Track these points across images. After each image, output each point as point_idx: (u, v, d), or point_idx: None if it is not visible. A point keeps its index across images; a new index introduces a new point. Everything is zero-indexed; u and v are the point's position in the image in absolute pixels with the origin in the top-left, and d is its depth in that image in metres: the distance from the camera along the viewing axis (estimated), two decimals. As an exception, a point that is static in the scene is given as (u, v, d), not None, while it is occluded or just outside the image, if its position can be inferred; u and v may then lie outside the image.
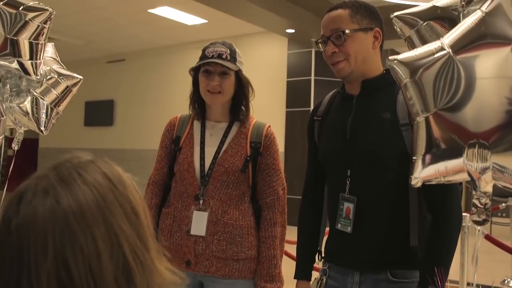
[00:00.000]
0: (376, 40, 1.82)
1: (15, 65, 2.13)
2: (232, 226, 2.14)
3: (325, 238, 2.01)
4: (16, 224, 0.75)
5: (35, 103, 2.35)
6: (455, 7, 1.39)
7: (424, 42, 1.43)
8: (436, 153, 1.26)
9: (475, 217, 1.25)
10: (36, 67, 2.20)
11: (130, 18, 9.98)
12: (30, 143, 14.68)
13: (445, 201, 1.68)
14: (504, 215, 8.24)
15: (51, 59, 2.47)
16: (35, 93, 2.33)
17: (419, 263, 1.69)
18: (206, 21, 9.82)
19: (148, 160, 9.96)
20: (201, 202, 2.14)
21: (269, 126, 2.27)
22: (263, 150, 2.21)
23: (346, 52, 1.79)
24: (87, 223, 0.75)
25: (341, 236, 1.83)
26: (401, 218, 1.74)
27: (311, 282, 1.98)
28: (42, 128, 2.40)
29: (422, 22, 1.48)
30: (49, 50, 2.49)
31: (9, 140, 2.70)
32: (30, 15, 2.07)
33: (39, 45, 2.15)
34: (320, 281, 1.92)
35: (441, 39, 1.25)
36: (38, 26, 2.09)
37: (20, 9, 2.05)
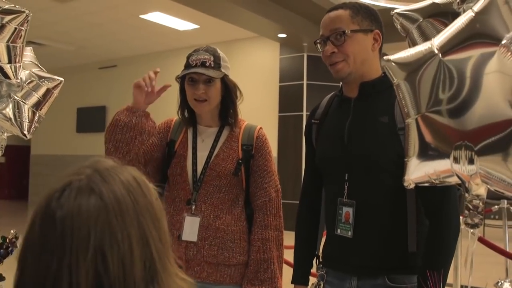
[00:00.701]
0: (375, 42, 1.81)
1: None
2: (224, 231, 2.12)
3: (322, 241, 2.00)
4: (61, 215, 0.79)
5: (17, 107, 2.33)
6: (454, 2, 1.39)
7: (425, 38, 1.43)
8: (426, 155, 1.26)
9: (468, 220, 1.25)
10: (15, 71, 2.18)
11: (121, 24, 9.97)
12: (22, 150, 14.62)
13: (443, 206, 1.67)
14: (497, 217, 8.27)
15: (31, 63, 2.46)
16: (16, 97, 2.31)
17: (417, 268, 1.69)
18: (197, 26, 9.83)
19: (140, 166, 9.93)
20: (193, 207, 2.13)
21: (261, 128, 2.25)
22: (255, 152, 2.19)
23: (345, 52, 1.78)
24: (124, 222, 0.81)
25: (339, 241, 1.82)
26: (399, 223, 1.73)
27: (308, 287, 1.97)
28: (25, 132, 2.38)
29: (422, 18, 1.48)
30: (28, 54, 2.47)
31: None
32: (6, 18, 2.05)
33: (17, 48, 2.13)
34: (317, 286, 1.91)
35: (432, 40, 1.25)
36: (16, 28, 2.08)
37: None
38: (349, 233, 1.78)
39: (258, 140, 2.20)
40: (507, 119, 1.06)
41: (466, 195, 1.23)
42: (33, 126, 2.40)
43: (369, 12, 1.82)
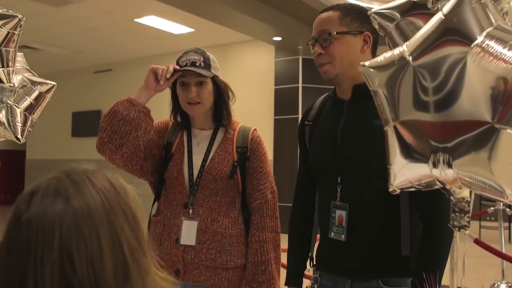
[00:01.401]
0: (365, 44, 1.80)
1: None
2: (222, 235, 2.12)
3: (316, 244, 1.99)
4: (27, 218, 0.80)
5: (10, 111, 2.32)
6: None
7: (405, 37, 1.41)
8: (406, 161, 1.26)
9: (455, 223, 1.25)
10: (8, 75, 2.18)
11: (116, 28, 9.96)
12: (17, 154, 14.58)
13: (437, 209, 1.66)
14: (493, 219, 8.29)
15: (22, 68, 2.46)
16: (9, 102, 2.31)
17: (411, 271, 1.68)
18: (193, 30, 9.83)
19: (136, 170, 9.91)
20: (190, 211, 2.13)
21: (255, 130, 2.25)
22: (250, 154, 2.19)
23: (332, 54, 1.78)
24: (93, 221, 0.81)
25: (333, 244, 1.81)
26: (393, 226, 1.72)
27: None
28: (19, 136, 2.37)
29: (401, 16, 1.47)
30: (20, 60, 2.47)
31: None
32: None
33: (10, 52, 2.13)
34: None
35: (404, 44, 1.24)
36: (8, 33, 2.07)
37: None
38: (343, 236, 1.77)
39: (253, 142, 2.20)
40: (479, 120, 1.06)
41: (452, 198, 1.23)
42: (26, 130, 2.39)
43: (360, 14, 1.81)
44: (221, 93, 2.19)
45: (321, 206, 1.91)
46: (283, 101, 10.15)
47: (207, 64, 2.14)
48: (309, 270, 2.02)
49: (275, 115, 10.25)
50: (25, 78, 2.38)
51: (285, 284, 2.00)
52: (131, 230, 0.85)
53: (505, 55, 1.03)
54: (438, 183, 1.21)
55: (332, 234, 1.80)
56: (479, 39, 1.07)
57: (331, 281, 1.85)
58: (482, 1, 1.11)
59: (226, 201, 2.16)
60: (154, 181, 2.26)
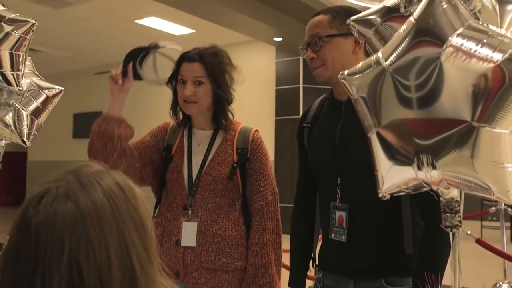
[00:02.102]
0: (357, 46, 1.80)
1: None
2: (221, 237, 2.10)
3: (318, 244, 1.99)
4: (36, 223, 0.78)
5: (17, 114, 2.33)
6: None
7: (385, 42, 1.40)
8: (391, 165, 1.26)
9: (447, 223, 1.25)
10: (18, 78, 2.19)
11: (117, 29, 9.97)
12: (19, 156, 14.59)
13: (438, 208, 1.67)
14: (494, 218, 8.29)
15: (29, 71, 2.46)
16: (16, 105, 2.32)
17: (414, 270, 1.68)
18: (193, 31, 9.83)
19: (137, 171, 9.92)
20: (189, 212, 2.12)
21: (256, 131, 2.22)
22: (250, 156, 2.16)
23: (323, 58, 1.79)
24: (102, 230, 0.79)
25: (334, 245, 1.81)
26: (395, 226, 1.72)
27: None
28: (25, 139, 2.38)
29: (380, 21, 1.47)
30: (28, 64, 2.48)
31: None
32: (11, 26, 2.06)
33: (20, 56, 2.13)
34: None
35: (379, 51, 1.25)
36: (20, 37, 2.08)
37: (2, 21, 2.04)
38: (343, 237, 1.77)
39: (253, 143, 2.17)
40: (458, 119, 1.07)
41: (441, 199, 1.23)
42: (32, 133, 2.40)
43: (350, 15, 1.81)
44: (221, 94, 2.16)
45: (322, 207, 1.91)
46: (284, 102, 10.15)
47: (201, 57, 2.13)
48: (310, 271, 2.02)
49: (276, 115, 10.26)
50: (33, 82, 2.39)
51: (288, 285, 2.00)
52: (140, 238, 0.83)
53: (480, 53, 1.03)
54: (425, 185, 1.21)
55: (333, 235, 1.80)
56: (451, 39, 1.08)
57: (334, 281, 1.85)
58: (452, 2, 1.12)
59: (226, 203, 2.14)
60: (156, 185, 2.26)
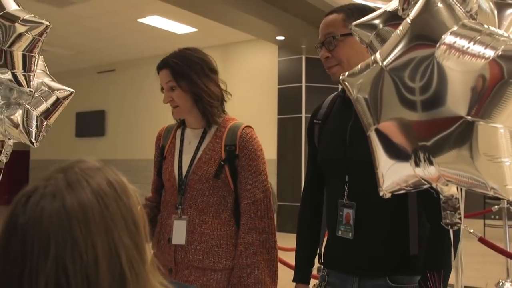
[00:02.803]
0: None
1: (8, 76, 2.12)
2: (209, 236, 2.09)
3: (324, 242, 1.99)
4: (22, 222, 0.77)
5: (26, 115, 2.34)
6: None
7: None
8: (390, 162, 1.27)
9: (447, 220, 1.25)
10: (29, 79, 2.19)
11: (119, 28, 9.98)
12: (21, 155, 14.61)
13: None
14: (497, 217, 8.27)
15: (41, 71, 2.47)
16: (26, 105, 2.32)
17: (418, 269, 1.68)
18: (196, 29, 9.84)
19: (140, 170, 9.94)
20: (179, 211, 2.13)
21: (246, 126, 2.18)
22: (239, 152, 2.11)
23: (338, 57, 1.79)
24: (89, 231, 0.77)
25: (340, 242, 1.81)
26: (400, 225, 1.73)
27: None
28: (33, 140, 2.38)
29: (381, 26, 1.48)
30: (40, 63, 2.48)
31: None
32: (26, 27, 2.07)
33: (33, 57, 2.14)
34: (319, 287, 1.91)
35: (377, 51, 1.27)
36: (33, 38, 2.09)
37: (16, 22, 2.05)
38: (350, 234, 1.78)
39: (242, 139, 2.13)
40: (455, 116, 1.07)
41: (441, 196, 1.24)
42: (41, 134, 2.41)
43: (364, 14, 1.81)
44: (196, 91, 2.14)
45: (329, 204, 1.91)
46: (287, 101, 10.15)
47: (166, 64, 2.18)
48: (315, 269, 2.02)
49: (278, 114, 10.25)
50: (44, 83, 2.40)
51: (293, 281, 2.01)
52: (131, 238, 0.81)
53: (472, 50, 1.04)
54: (424, 182, 1.22)
55: (340, 232, 1.81)
56: (445, 37, 1.09)
57: (339, 279, 1.85)
58: (447, 2, 1.13)
59: (215, 202, 2.12)
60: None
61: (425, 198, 1.68)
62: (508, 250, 4.98)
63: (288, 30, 8.72)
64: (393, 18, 1.43)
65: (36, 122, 2.37)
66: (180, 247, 2.11)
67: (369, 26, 1.48)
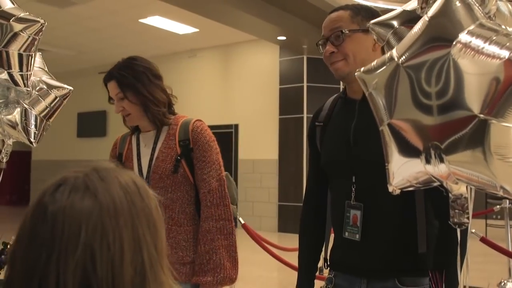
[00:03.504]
0: (376, 42, 1.80)
1: (4, 76, 2.11)
2: (176, 232, 2.14)
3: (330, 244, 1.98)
4: (53, 210, 0.78)
5: (24, 114, 2.33)
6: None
7: None
8: (402, 158, 1.27)
9: (455, 220, 1.25)
10: (26, 79, 2.19)
11: (121, 29, 9.98)
12: (23, 155, 14.63)
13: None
14: (499, 217, 8.27)
15: (40, 69, 2.45)
16: (24, 104, 2.32)
17: (427, 270, 1.67)
18: (197, 30, 9.84)
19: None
20: None
21: (197, 120, 2.24)
22: (193, 146, 2.18)
23: (345, 52, 1.78)
24: (118, 223, 0.80)
25: (347, 244, 1.80)
26: (408, 225, 1.71)
27: None
28: (32, 140, 2.38)
29: (398, 25, 1.49)
30: (37, 60, 2.47)
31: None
32: (21, 26, 2.05)
33: (29, 56, 2.13)
34: None
35: (394, 48, 1.27)
36: (29, 37, 2.08)
37: (11, 20, 2.03)
38: (357, 236, 1.76)
39: (194, 133, 2.19)
40: (469, 115, 1.07)
41: (450, 195, 1.23)
42: (39, 133, 2.40)
43: (370, 13, 1.81)
44: (143, 98, 2.19)
45: (335, 206, 1.89)
46: (288, 101, 10.15)
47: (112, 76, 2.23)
48: (319, 272, 2.01)
49: (280, 114, 10.25)
50: (42, 81, 2.39)
51: (297, 287, 1.99)
52: (152, 237, 0.84)
53: (487, 50, 1.04)
54: (434, 179, 1.22)
55: (347, 234, 1.79)
56: (461, 36, 1.09)
57: (347, 281, 1.83)
58: (466, 2, 1.14)
59: (179, 197, 2.17)
60: None
61: (433, 196, 1.67)
62: (510, 250, 4.97)
63: (289, 30, 8.73)
64: (411, 18, 1.44)
65: (35, 121, 2.37)
66: None
67: (387, 25, 1.50)
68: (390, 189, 1.32)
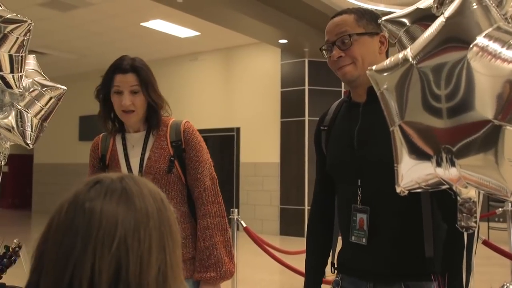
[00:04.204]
0: (382, 45, 1.79)
1: None
2: None
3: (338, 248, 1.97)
4: (90, 206, 0.84)
5: (19, 116, 2.33)
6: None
7: (414, 42, 1.44)
8: (410, 161, 1.26)
9: (462, 223, 1.25)
10: (18, 80, 2.18)
11: (122, 32, 10.00)
12: (25, 159, 14.63)
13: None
14: (501, 220, 8.26)
15: (33, 71, 2.45)
16: (18, 106, 2.31)
17: (434, 274, 1.66)
18: (199, 33, 9.85)
19: (143, 173, 9.94)
20: None
21: (187, 121, 2.27)
22: (185, 146, 2.22)
23: (353, 56, 1.77)
24: (148, 223, 0.86)
25: (354, 248, 1.79)
26: (415, 228, 1.70)
27: None
28: (28, 141, 2.38)
29: (410, 23, 1.48)
30: (31, 63, 2.47)
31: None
32: (9, 27, 2.05)
33: (20, 57, 2.13)
34: None
35: (408, 48, 1.26)
36: (17, 38, 2.07)
37: None
38: (364, 240, 1.75)
39: (186, 133, 2.23)
40: (483, 120, 1.07)
41: (458, 198, 1.23)
42: (35, 135, 2.39)
43: (373, 16, 1.81)
44: (155, 101, 2.21)
45: (341, 211, 1.89)
46: (290, 104, 10.15)
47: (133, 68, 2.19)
48: (326, 276, 2.00)
49: (281, 117, 10.25)
50: (35, 82, 2.38)
51: None
52: (173, 244, 0.90)
53: (504, 54, 1.04)
54: (444, 182, 1.21)
55: (353, 237, 1.78)
56: (478, 39, 1.09)
57: (353, 284, 1.83)
58: (483, 4, 1.13)
59: (173, 196, 2.20)
60: None
61: (440, 199, 1.66)
62: (512, 253, 4.96)
63: (291, 33, 8.73)
64: (424, 16, 1.44)
65: (31, 123, 2.36)
66: None
67: (399, 23, 1.49)
68: (398, 190, 1.32)
